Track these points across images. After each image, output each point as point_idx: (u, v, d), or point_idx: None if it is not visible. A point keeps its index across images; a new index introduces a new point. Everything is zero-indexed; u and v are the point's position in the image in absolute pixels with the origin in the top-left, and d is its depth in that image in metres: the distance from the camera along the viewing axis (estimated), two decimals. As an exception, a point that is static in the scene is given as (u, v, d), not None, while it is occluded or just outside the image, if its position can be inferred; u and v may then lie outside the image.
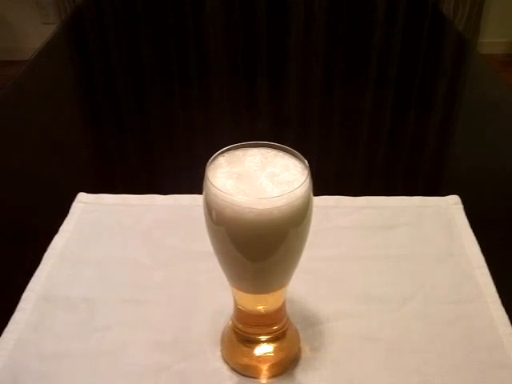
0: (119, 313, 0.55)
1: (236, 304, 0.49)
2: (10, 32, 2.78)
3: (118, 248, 0.63)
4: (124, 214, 0.68)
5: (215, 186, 0.40)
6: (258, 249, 0.42)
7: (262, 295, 0.48)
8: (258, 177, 0.42)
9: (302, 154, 0.43)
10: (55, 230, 0.64)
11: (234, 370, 0.50)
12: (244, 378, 0.49)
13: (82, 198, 0.69)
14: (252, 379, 0.49)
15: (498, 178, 0.77)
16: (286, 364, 0.50)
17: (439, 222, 0.66)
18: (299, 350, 0.51)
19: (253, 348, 0.51)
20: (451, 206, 0.68)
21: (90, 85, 1.08)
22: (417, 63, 1.12)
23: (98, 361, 0.51)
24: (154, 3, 1.39)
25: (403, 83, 1.04)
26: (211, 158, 0.43)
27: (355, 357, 0.51)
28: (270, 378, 0.50)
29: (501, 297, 0.56)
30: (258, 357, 0.51)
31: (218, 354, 0.51)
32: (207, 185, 0.41)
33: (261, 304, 0.49)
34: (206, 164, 0.43)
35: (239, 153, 0.44)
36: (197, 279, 0.59)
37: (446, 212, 0.67)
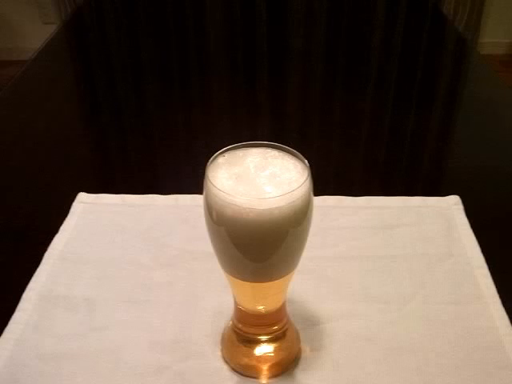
0: (119, 313, 0.55)
1: (236, 304, 0.49)
2: (9, 32, 2.78)
3: (118, 248, 0.63)
4: (124, 214, 0.68)
5: (215, 186, 0.40)
6: (259, 249, 0.42)
7: (261, 291, 0.47)
8: (259, 177, 0.42)
9: (302, 154, 0.43)
10: (55, 230, 0.64)
11: (234, 370, 0.50)
12: (244, 378, 0.49)
13: (82, 198, 0.69)
14: (252, 379, 0.49)
15: (498, 178, 0.77)
16: (286, 364, 0.50)
17: (439, 223, 0.66)
18: (299, 350, 0.51)
19: (253, 348, 0.51)
20: (451, 206, 0.68)
21: (89, 85, 1.08)
22: (417, 63, 1.12)
23: (98, 361, 0.51)
24: (154, 3, 1.39)
25: (403, 83, 1.04)
26: (211, 158, 0.43)
27: (355, 357, 0.51)
28: (270, 378, 0.50)
29: (501, 297, 0.56)
30: (259, 357, 0.51)
31: (218, 354, 0.51)
32: (207, 185, 0.41)
33: (261, 304, 0.49)
34: (206, 164, 0.43)
35: (239, 153, 0.44)
36: (197, 279, 0.59)
37: (446, 212, 0.67)
